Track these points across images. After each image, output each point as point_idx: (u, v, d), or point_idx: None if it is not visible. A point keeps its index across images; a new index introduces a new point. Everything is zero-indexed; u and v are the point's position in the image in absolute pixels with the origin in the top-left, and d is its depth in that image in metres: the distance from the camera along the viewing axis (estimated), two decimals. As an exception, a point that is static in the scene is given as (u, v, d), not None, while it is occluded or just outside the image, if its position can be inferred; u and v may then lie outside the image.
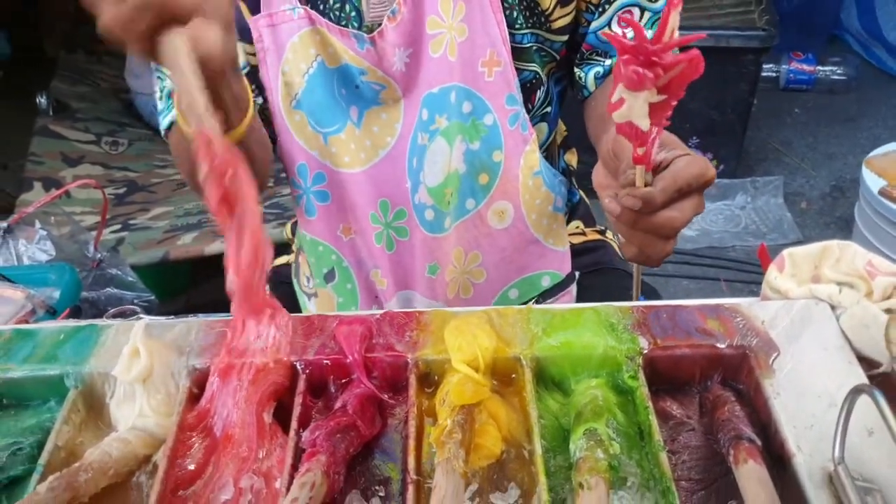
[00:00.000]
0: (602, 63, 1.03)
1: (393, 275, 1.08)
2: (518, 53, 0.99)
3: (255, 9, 0.97)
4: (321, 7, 0.95)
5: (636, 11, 0.98)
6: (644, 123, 0.65)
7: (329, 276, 1.11)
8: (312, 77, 0.97)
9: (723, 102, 2.70)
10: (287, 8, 0.94)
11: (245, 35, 0.98)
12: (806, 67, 3.37)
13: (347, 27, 0.95)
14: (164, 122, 1.00)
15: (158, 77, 0.98)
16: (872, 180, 2.24)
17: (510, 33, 0.97)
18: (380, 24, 0.95)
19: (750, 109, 2.74)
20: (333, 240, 1.08)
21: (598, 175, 0.79)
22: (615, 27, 1.00)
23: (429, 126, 0.99)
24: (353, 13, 0.96)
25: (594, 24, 1.00)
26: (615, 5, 0.98)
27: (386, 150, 1.02)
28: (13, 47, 3.72)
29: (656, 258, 0.76)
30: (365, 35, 0.94)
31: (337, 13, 0.95)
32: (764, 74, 3.19)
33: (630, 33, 0.62)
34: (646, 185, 0.70)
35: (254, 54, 1.00)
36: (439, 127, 0.98)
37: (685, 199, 0.71)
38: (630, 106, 0.64)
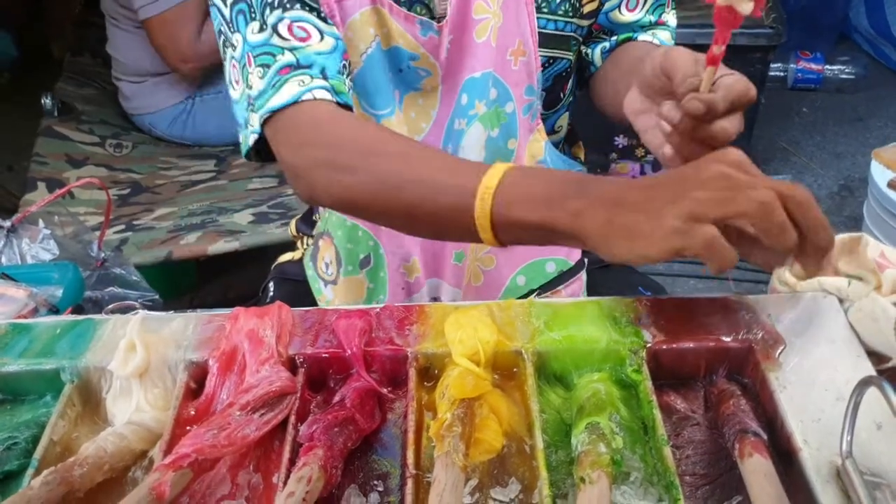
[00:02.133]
0: (608, 39, 1.06)
1: (424, 263, 1.08)
2: (558, 42, 1.01)
3: None
4: None
5: None
6: (746, 7, 0.65)
7: (364, 262, 1.10)
8: (370, 57, 0.97)
9: None
10: None
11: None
12: (814, 66, 3.35)
13: (413, 13, 0.94)
14: (279, 101, 0.85)
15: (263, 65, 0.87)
16: (881, 173, 2.22)
17: (554, 22, 0.98)
18: (444, 15, 0.95)
19: (757, 108, 2.71)
20: (372, 226, 1.08)
21: (634, 102, 0.80)
22: (623, 9, 1.03)
23: (468, 111, 0.99)
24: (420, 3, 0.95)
25: (607, 6, 1.03)
26: None
27: (421, 136, 1.02)
28: (20, 49, 3.74)
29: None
30: (434, 23, 0.95)
31: (409, 2, 0.95)
32: (772, 74, 3.17)
33: None
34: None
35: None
36: (478, 112, 0.99)
37: (735, 112, 0.72)
38: None
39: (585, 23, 1.02)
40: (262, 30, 0.86)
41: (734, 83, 0.71)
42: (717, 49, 0.67)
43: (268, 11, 0.86)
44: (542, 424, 0.68)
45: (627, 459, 0.66)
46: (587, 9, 1.01)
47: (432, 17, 0.96)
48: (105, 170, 2.50)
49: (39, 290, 1.37)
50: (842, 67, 3.36)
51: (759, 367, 0.71)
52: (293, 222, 1.37)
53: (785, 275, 0.80)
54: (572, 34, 1.02)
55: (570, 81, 1.08)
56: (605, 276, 1.20)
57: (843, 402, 0.63)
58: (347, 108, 0.87)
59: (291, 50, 0.85)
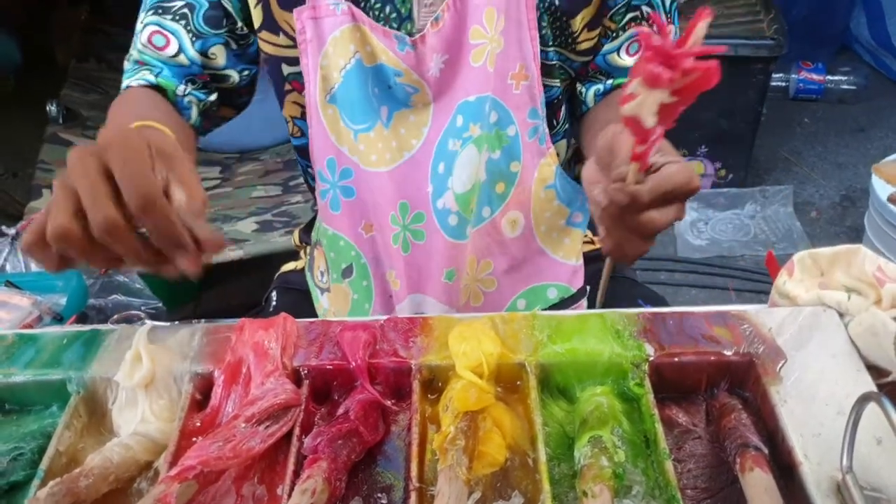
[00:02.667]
0: (603, 82, 1.05)
1: (406, 277, 1.08)
2: (546, 70, 1.01)
3: (285, 1, 0.97)
4: (362, 5, 0.96)
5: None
6: (650, 120, 0.65)
7: (347, 272, 1.11)
8: (349, 73, 0.98)
9: (732, 111, 2.70)
10: (331, 2, 0.95)
11: (271, 26, 1.00)
12: (815, 77, 3.36)
13: (388, 28, 0.96)
14: (123, 84, 1.02)
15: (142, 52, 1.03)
16: (881, 187, 2.23)
17: (541, 50, 0.99)
18: (421, 29, 0.95)
19: (759, 118, 2.73)
20: (354, 236, 1.08)
21: (589, 171, 0.79)
22: (623, 53, 1.02)
23: (462, 133, 1.00)
24: (394, 15, 0.96)
25: (606, 48, 1.02)
26: (627, 34, 1.01)
27: (410, 152, 1.02)
28: (24, 55, 3.74)
29: (631, 255, 0.76)
30: (407, 38, 0.95)
31: (377, 12, 0.96)
32: (773, 84, 3.18)
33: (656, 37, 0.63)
34: (636, 184, 0.70)
35: (276, 44, 1.02)
36: (472, 135, 0.99)
37: (669, 204, 0.72)
38: (642, 101, 0.65)
39: (578, 58, 1.02)
40: (142, 26, 1.01)
41: (674, 174, 0.70)
42: (639, 148, 0.68)
43: (151, 14, 1.01)
44: (545, 437, 0.68)
45: (630, 473, 0.67)
46: (583, 46, 1.01)
47: (404, 30, 0.97)
48: (109, 177, 2.51)
49: (44, 298, 1.37)
50: (843, 78, 3.37)
51: (761, 381, 0.71)
52: (296, 231, 1.37)
53: (785, 287, 0.81)
54: (557, 63, 1.02)
55: (563, 109, 1.08)
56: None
57: (843, 416, 0.64)
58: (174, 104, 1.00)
59: (140, 51, 1.01)
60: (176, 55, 1.00)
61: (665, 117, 0.65)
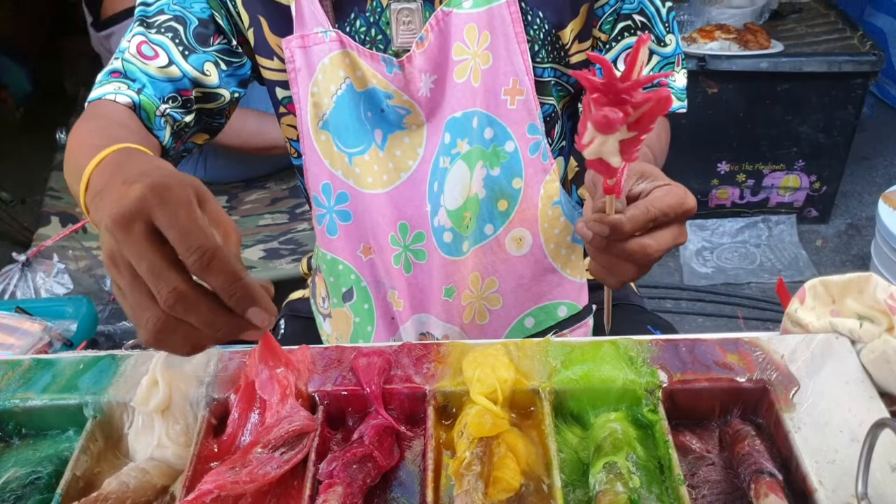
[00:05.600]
0: None
1: (409, 297, 1.09)
2: (539, 87, 1.01)
3: (278, 27, 0.99)
4: (348, 29, 0.97)
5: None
6: (615, 160, 0.66)
7: (347, 296, 1.12)
8: (340, 98, 0.99)
9: (830, 126, 2.75)
10: (319, 30, 0.97)
11: (263, 50, 1.02)
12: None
13: (374, 51, 0.97)
14: (94, 94, 0.98)
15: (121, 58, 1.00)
16: (889, 215, 2.24)
17: (535, 67, 0.99)
18: (407, 50, 0.97)
19: (854, 132, 2.78)
20: (353, 259, 1.09)
21: (587, 205, 0.81)
22: (620, 65, 1.02)
23: (450, 149, 1.00)
24: (380, 37, 0.98)
25: None
26: (622, 44, 1.02)
27: (408, 173, 1.03)
28: (34, 84, 3.79)
29: (625, 280, 0.77)
30: (394, 60, 0.97)
31: (362, 36, 0.98)
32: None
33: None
34: (617, 213, 0.71)
35: (269, 68, 1.03)
36: (460, 150, 1.00)
37: (662, 228, 0.72)
38: (601, 144, 0.65)
39: (572, 72, 1.02)
40: (129, 40, 0.99)
41: (660, 198, 0.71)
42: (611, 181, 0.69)
43: (136, 26, 1.00)
44: (559, 463, 0.68)
45: (644, 499, 0.67)
46: (576, 59, 1.02)
47: (391, 52, 0.98)
48: (117, 204, 2.52)
49: (54, 324, 1.38)
50: (847, 107, 3.38)
51: (774, 408, 0.72)
52: (304, 260, 1.38)
53: (797, 315, 0.81)
54: (553, 79, 1.03)
55: (558, 126, 1.08)
56: (613, 315, 1.20)
57: (857, 443, 0.64)
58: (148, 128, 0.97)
59: (125, 61, 0.98)
60: (167, 66, 0.97)
61: (628, 151, 0.66)
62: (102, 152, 0.73)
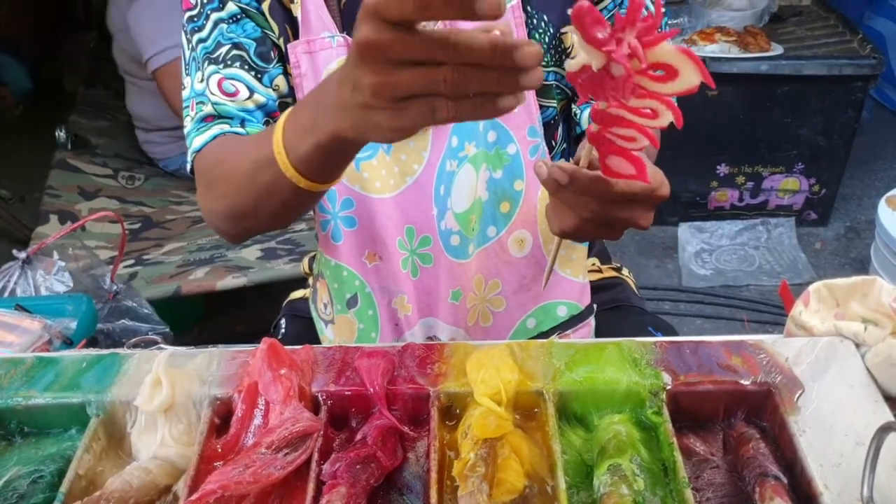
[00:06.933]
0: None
1: (417, 301, 1.09)
2: (542, 91, 1.02)
3: (284, 31, 0.99)
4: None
5: None
6: (596, 63, 0.63)
7: (352, 302, 1.11)
8: None
9: (830, 129, 2.76)
10: (326, 35, 0.97)
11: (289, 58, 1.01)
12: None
13: None
14: (199, 143, 0.98)
15: (200, 102, 0.99)
16: (890, 218, 2.24)
17: None
18: None
19: (854, 135, 2.79)
20: (358, 266, 1.09)
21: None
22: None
23: (458, 153, 1.01)
24: None
25: None
26: None
27: (413, 177, 1.03)
28: (34, 82, 3.79)
29: (561, 229, 0.77)
30: None
31: None
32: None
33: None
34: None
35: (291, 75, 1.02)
36: (468, 154, 1.00)
37: (633, 204, 0.73)
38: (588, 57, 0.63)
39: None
40: (202, 80, 0.99)
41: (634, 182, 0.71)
42: (594, 127, 0.68)
43: (206, 65, 0.98)
44: (563, 465, 0.68)
45: (648, 502, 0.67)
46: None
47: None
48: (116, 202, 2.52)
49: (54, 322, 1.37)
50: (847, 111, 3.39)
51: (778, 411, 0.72)
52: (305, 259, 1.38)
53: (801, 318, 0.81)
54: (554, 83, 1.03)
55: (560, 129, 1.09)
56: (614, 317, 1.20)
57: (862, 446, 0.64)
58: None
59: (215, 104, 0.97)
60: (251, 96, 0.97)
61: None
62: (279, 120, 0.77)
